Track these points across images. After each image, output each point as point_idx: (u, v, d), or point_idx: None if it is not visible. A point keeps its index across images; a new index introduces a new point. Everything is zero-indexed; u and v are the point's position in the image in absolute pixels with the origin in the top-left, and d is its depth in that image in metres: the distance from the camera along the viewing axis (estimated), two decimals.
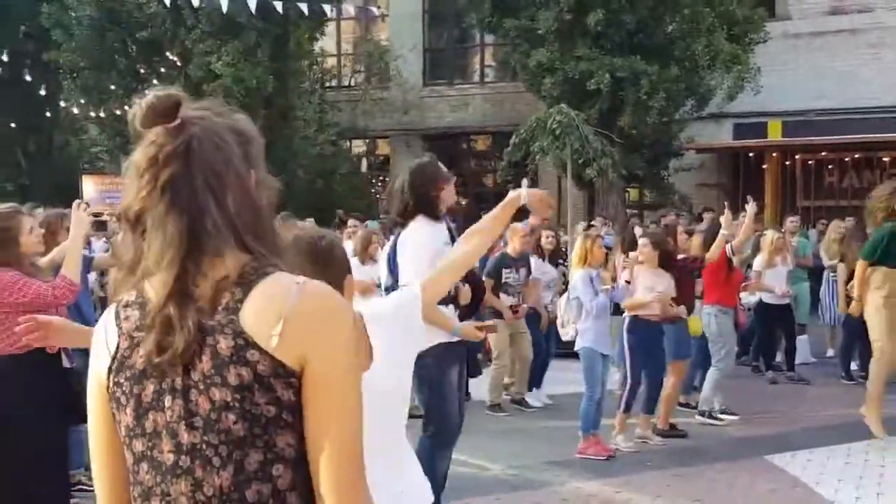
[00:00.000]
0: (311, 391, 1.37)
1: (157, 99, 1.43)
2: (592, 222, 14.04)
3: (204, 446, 1.37)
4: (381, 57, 22.65)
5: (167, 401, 1.40)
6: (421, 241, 4.70)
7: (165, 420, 1.40)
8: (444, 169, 4.92)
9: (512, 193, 3.23)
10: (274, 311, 1.36)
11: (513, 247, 8.59)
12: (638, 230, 8.63)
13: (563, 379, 9.04)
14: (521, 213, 3.84)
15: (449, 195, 4.87)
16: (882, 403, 7.36)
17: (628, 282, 7.28)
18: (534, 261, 9.00)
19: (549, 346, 9.13)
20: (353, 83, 23.57)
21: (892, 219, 7.22)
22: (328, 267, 2.26)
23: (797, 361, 10.28)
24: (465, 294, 4.83)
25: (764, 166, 19.40)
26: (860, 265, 7.33)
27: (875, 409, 7.29)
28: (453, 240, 4.96)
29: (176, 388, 1.38)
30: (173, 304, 1.38)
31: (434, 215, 4.77)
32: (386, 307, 2.60)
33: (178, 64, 17.96)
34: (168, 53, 18.07)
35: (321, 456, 1.37)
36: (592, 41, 16.19)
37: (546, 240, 9.56)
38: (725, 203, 8.64)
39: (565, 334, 7.58)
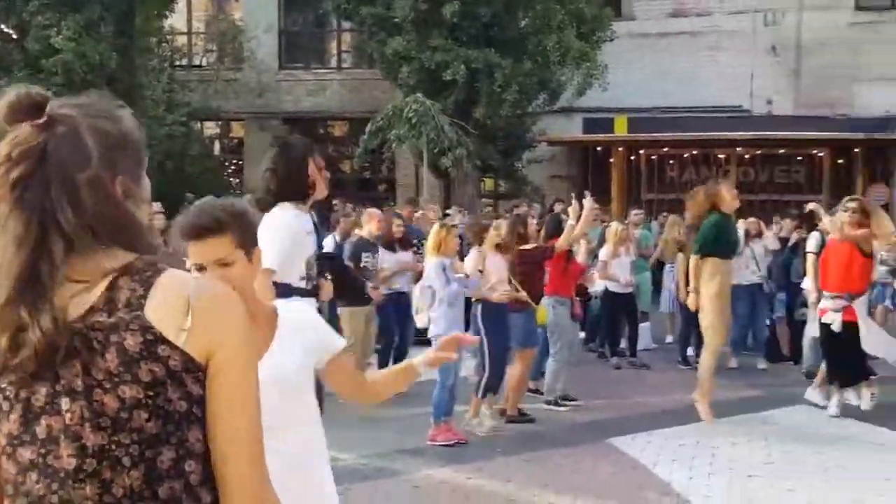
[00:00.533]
0: (215, 383, 1.39)
1: (16, 97, 1.41)
2: (447, 211, 14.21)
3: (113, 447, 1.34)
4: (235, 37, 22.08)
5: (64, 403, 1.34)
6: (282, 225, 4.35)
7: (63, 423, 1.34)
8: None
9: (411, 362, 2.81)
10: (181, 306, 1.37)
11: (369, 230, 8.66)
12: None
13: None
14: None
15: (321, 181, 4.55)
16: (712, 391, 7.79)
17: (481, 270, 7.42)
18: (381, 251, 9.00)
19: (406, 333, 9.18)
20: (204, 63, 22.88)
21: (714, 211, 7.64)
22: (247, 230, 2.36)
23: (639, 347, 10.78)
24: (327, 290, 4.76)
25: (611, 160, 20.13)
26: (693, 259, 7.72)
27: (705, 396, 7.68)
28: (317, 232, 4.80)
29: (75, 389, 1.34)
30: (23, 303, 1.34)
31: (303, 197, 4.45)
32: (295, 317, 2.58)
33: (15, 37, 16.92)
34: (3, 26, 16.99)
35: (225, 443, 1.40)
36: (448, 32, 16.35)
37: (396, 227, 9.53)
38: (573, 195, 8.91)
39: (419, 321, 7.67)
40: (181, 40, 22.89)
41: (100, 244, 1.40)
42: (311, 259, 4.60)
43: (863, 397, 7.93)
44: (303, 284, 4.46)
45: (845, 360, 7.87)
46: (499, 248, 7.59)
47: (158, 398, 1.35)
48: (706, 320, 7.69)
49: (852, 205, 7.95)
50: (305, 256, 4.53)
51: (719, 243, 7.60)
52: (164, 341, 1.35)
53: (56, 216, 1.36)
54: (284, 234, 4.35)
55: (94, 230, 1.39)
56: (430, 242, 7.36)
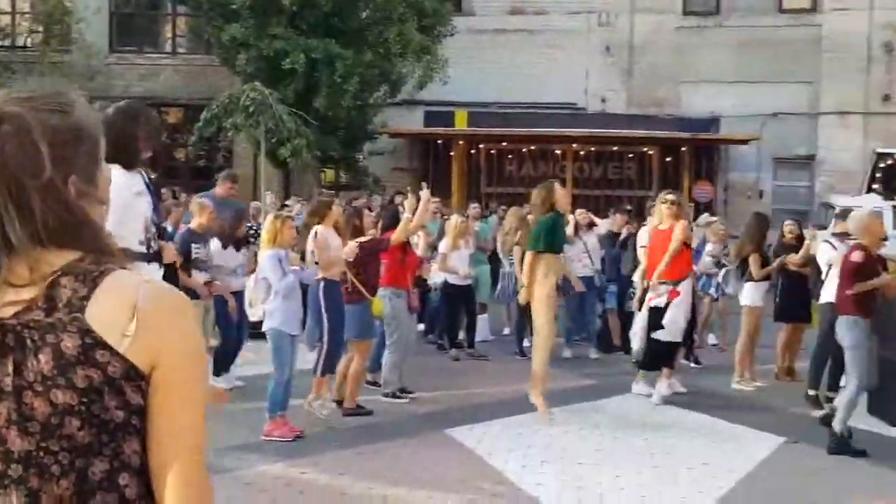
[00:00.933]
0: (160, 390, 1.32)
1: None
2: (286, 202, 13.95)
3: (41, 454, 1.27)
4: (62, 18, 20.93)
5: None
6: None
7: None
8: (151, 114, 4.58)
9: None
10: (125, 310, 1.30)
11: (199, 222, 8.37)
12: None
13: (253, 360, 8.90)
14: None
15: (149, 143, 4.46)
16: (546, 383, 7.93)
17: (317, 262, 7.30)
18: (215, 245, 8.68)
19: (241, 329, 8.92)
20: (29, 44, 21.58)
21: (550, 212, 7.86)
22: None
23: (478, 339, 10.92)
24: (170, 252, 4.60)
25: (452, 153, 20.35)
26: (527, 255, 7.89)
27: (539, 388, 7.81)
28: (151, 192, 4.59)
29: (4, 389, 1.27)
30: None
31: (129, 163, 4.31)
32: None
33: None
34: None
35: (170, 442, 1.33)
36: (288, 20, 16.06)
37: (244, 228, 9.22)
38: (409, 187, 8.91)
39: (253, 315, 7.46)
40: (4, 20, 21.73)
41: (46, 248, 1.32)
42: (148, 221, 4.42)
43: (660, 384, 8.40)
44: (143, 249, 4.36)
45: (663, 345, 8.32)
46: (336, 227, 7.54)
47: (93, 406, 1.27)
48: (539, 318, 7.86)
49: (670, 197, 8.63)
50: (141, 218, 4.35)
51: (554, 240, 7.81)
52: (105, 346, 1.27)
53: (3, 226, 1.29)
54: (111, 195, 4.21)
55: (42, 237, 1.31)
56: (264, 234, 7.17)
